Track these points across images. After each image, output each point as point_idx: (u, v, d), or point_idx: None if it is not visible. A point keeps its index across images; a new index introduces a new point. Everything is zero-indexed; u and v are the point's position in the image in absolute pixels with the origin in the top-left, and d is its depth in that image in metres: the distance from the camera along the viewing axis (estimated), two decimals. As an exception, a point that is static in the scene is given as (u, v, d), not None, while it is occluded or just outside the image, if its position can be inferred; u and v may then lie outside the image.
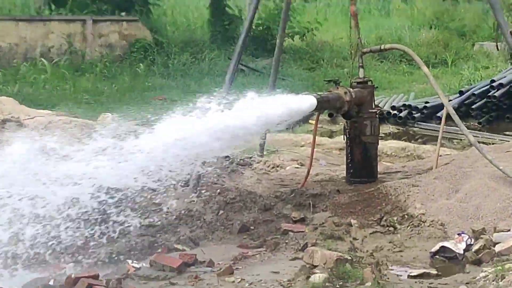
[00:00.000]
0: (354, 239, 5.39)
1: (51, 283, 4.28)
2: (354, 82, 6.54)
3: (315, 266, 4.71)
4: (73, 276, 4.13)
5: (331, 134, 10.19)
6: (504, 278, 4.37)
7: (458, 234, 5.13)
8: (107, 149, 4.70)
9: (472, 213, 5.50)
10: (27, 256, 4.56)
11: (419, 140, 11.17)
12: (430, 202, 5.74)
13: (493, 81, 12.11)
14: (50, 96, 11.79)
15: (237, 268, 4.87)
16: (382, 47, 7.99)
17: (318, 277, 4.49)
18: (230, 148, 5.76)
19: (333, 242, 5.23)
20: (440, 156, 7.52)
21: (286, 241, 5.43)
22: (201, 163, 5.63)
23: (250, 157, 7.70)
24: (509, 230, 5.15)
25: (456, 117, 6.64)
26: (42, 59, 13.38)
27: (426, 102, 12.01)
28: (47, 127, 8.15)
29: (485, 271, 4.72)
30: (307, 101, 5.63)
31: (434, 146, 8.59)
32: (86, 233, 4.80)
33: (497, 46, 17.88)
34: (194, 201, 5.76)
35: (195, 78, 13.50)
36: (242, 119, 4.99)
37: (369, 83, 6.71)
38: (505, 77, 12.26)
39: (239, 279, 4.62)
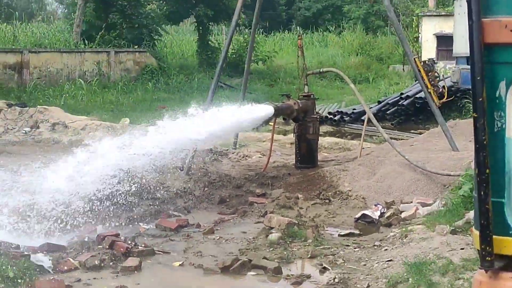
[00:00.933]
0: (300, 208, 7.04)
1: (86, 239, 5.80)
2: (301, 95, 8.63)
3: (272, 228, 6.32)
4: (101, 235, 5.72)
5: (284, 133, 11.95)
6: (407, 236, 5.89)
7: (375, 205, 6.77)
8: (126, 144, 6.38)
9: (385, 190, 7.16)
10: (72, 222, 6.00)
11: (348, 137, 13.59)
12: (355, 182, 7.44)
13: (402, 93, 15.43)
14: (86, 106, 15.50)
15: (216, 229, 6.51)
16: (321, 70, 10.60)
17: (274, 235, 6.14)
18: (212, 142, 7.48)
19: (285, 210, 6.91)
20: (363, 148, 9.46)
21: (252, 210, 7.17)
22: (192, 153, 7.26)
23: (227, 150, 9.68)
24: (411, 202, 6.80)
25: (374, 120, 8.84)
26: (80, 79, 18.10)
27: (354, 109, 14.94)
28: (84, 128, 10.99)
29: (394, 231, 6.35)
30: (267, 109, 7.45)
31: (358, 141, 10.55)
32: (112, 204, 6.30)
33: (403, 68, 22.98)
34: (187, 181, 7.41)
35: (188, 92, 17.88)
36: (221, 122, 6.60)
37: (312, 96, 8.81)
38: (410, 90, 15.67)
39: (218, 237, 6.31)
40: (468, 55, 2.13)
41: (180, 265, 5.74)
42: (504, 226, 2.25)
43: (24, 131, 11.77)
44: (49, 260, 5.65)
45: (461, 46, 9.21)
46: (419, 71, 7.98)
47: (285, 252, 5.87)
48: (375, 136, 11.77)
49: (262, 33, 26.92)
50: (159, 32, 22.41)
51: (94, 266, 5.48)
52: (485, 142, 2.14)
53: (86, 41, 20.06)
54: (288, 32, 30.35)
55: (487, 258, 2.26)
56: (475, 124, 2.13)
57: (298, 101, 8.11)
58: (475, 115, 2.13)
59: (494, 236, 2.22)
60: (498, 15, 2.05)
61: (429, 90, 7.88)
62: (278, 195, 7.56)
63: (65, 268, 5.52)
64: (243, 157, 9.76)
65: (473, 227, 2.43)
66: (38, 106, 13.37)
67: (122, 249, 5.77)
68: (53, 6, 35.82)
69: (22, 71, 17.49)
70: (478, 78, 2.09)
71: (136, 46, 20.56)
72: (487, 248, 2.26)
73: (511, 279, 2.28)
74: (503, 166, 2.20)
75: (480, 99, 2.11)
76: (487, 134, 2.12)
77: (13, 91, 15.88)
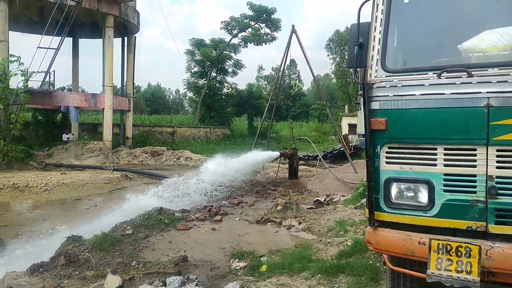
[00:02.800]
0: (290, 196, 11.53)
1: (198, 207, 10.07)
2: (291, 148, 13.82)
3: (278, 204, 10.50)
4: (204, 205, 10.26)
5: (284, 163, 16.62)
6: (336, 209, 9.77)
7: (322, 195, 11.20)
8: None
9: (326, 189, 11.80)
10: (193, 199, 10.90)
11: (310, 165, 19.59)
12: (313, 185, 12.19)
13: (334, 148, 24.49)
14: (200, 150, 26.57)
15: (254, 204, 11.10)
16: (300, 138, 19.67)
17: (279, 207, 10.12)
18: (253, 167, 13.12)
19: (284, 197, 11.43)
20: (317, 171, 14.50)
21: (270, 196, 11.79)
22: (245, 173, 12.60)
23: (259, 170, 14.72)
24: (338, 195, 11.14)
25: (322, 159, 14.40)
26: (198, 139, 33.03)
27: (313, 154, 23.30)
28: (199, 159, 16.25)
29: (330, 207, 10.19)
30: (276, 154, 13.11)
31: (315, 167, 15.66)
32: (210, 192, 11.47)
33: (335, 137, 36.04)
34: (242, 183, 12.42)
35: (243, 145, 27.24)
36: (257, 158, 12.49)
37: (295, 148, 14.01)
38: (337, 147, 23.88)
39: (255, 207, 10.62)
40: (363, 133, 3.50)
41: (238, 219, 9.24)
42: (378, 207, 3.59)
43: (173, 160, 20.29)
44: (182, 215, 9.15)
45: (361, 129, 15.07)
46: (341, 139, 14.67)
47: (283, 215, 9.41)
48: (322, 166, 16.27)
49: (276, 121, 44.05)
50: (231, 119, 39.45)
51: (201, 219, 9.03)
52: (370, 171, 3.50)
53: (201, 123, 36.07)
54: (285, 121, 50.30)
55: (371, 221, 3.59)
56: (367, 163, 3.49)
57: (290, 150, 13.75)
58: (367, 159, 3.50)
59: (374, 212, 3.59)
60: (376, 118, 3.44)
61: (345, 147, 14.45)
62: (281, 189, 12.49)
63: (189, 219, 8.94)
64: (266, 174, 15.26)
65: (365, 206, 3.66)
66: (179, 150, 24.08)
67: (213, 211, 9.47)
68: (186, 108, 65.55)
69: (174, 135, 32.62)
70: (368, 144, 3.46)
71: (221, 125, 36.53)
72: (372, 217, 3.58)
73: (382, 231, 3.55)
74: (378, 181, 3.55)
75: (369, 153, 3.48)
76: (372, 167, 3.48)
77: (169, 144, 28.89)
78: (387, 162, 3.52)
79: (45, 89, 21.82)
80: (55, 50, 21.07)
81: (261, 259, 6.40)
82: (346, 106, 43.66)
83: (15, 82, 19.09)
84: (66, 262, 6.23)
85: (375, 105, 3.48)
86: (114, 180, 15.58)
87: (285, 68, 17.68)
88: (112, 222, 8.33)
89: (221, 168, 12.03)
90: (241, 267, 6.08)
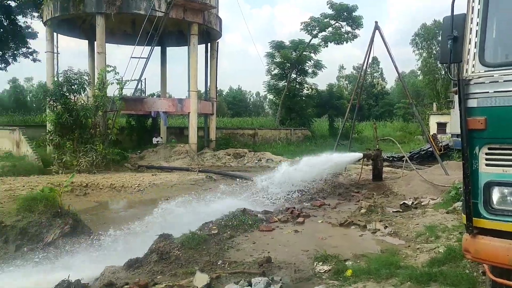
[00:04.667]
0: (375, 198, 11.17)
1: (280, 209, 10.21)
2: (375, 149, 13.41)
3: (362, 207, 10.24)
4: (286, 207, 10.41)
5: (367, 164, 15.77)
6: (424, 213, 9.31)
7: (409, 198, 10.73)
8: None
9: (414, 191, 11.25)
10: (274, 201, 11.23)
11: (395, 167, 18.90)
12: (399, 188, 11.69)
13: (421, 149, 23.09)
14: (280, 152, 27.69)
15: (337, 206, 10.92)
16: (384, 138, 17.85)
17: (362, 210, 9.93)
18: (336, 169, 12.95)
19: (368, 199, 11.10)
20: (404, 173, 13.90)
21: (353, 198, 11.54)
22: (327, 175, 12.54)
23: (341, 172, 14.51)
24: (426, 198, 10.63)
25: (409, 160, 13.69)
26: (279, 141, 34.04)
27: (398, 155, 22.16)
28: (280, 161, 16.80)
29: (418, 211, 9.73)
30: (359, 155, 12.68)
31: (401, 169, 15.14)
32: (292, 194, 11.66)
33: (422, 137, 34.94)
34: (324, 185, 12.18)
35: (324, 147, 25.82)
36: (339, 159, 12.22)
37: (380, 149, 13.57)
38: (425, 148, 22.77)
39: (338, 210, 10.46)
40: (459, 133, 3.32)
41: (321, 222, 9.15)
42: (477, 213, 3.37)
43: (255, 162, 20.80)
44: (264, 217, 9.27)
45: (455, 128, 14.25)
46: (430, 138, 13.87)
47: (367, 218, 9.11)
48: (408, 167, 15.76)
49: (359, 121, 43.49)
50: (312, 120, 40.38)
51: (284, 220, 9.05)
52: (468, 174, 3.29)
53: (281, 124, 37.51)
54: (368, 121, 51.31)
55: (469, 228, 3.38)
56: (464, 165, 3.30)
57: (374, 151, 13.35)
58: (463, 161, 3.29)
59: (473, 218, 3.38)
60: (474, 116, 3.22)
61: (434, 147, 13.61)
62: (364, 192, 12.19)
63: (271, 220, 8.99)
64: (348, 175, 14.95)
65: (462, 212, 3.50)
66: (260, 151, 25.16)
67: (296, 213, 9.55)
68: (267, 110, 69.31)
69: (255, 137, 33.81)
70: (465, 144, 3.27)
71: (302, 127, 37.31)
72: (470, 223, 3.36)
73: (482, 239, 3.30)
74: (477, 185, 3.33)
75: (466, 154, 3.29)
76: (469, 170, 3.26)
77: (251, 146, 29.89)
78: (486, 165, 3.30)
79: (137, 96, 23.38)
80: (145, 59, 22.51)
81: (346, 263, 6.24)
82: (434, 104, 41.24)
83: (111, 91, 20.69)
84: (158, 259, 6.58)
85: (472, 103, 3.27)
86: (200, 181, 16.22)
87: (368, 66, 17.15)
88: (199, 221, 8.61)
89: (304, 168, 11.97)
90: (325, 270, 5.98)
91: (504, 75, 3.21)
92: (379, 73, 74.73)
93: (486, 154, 3.30)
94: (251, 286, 5.18)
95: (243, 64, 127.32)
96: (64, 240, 8.21)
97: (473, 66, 3.36)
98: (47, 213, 8.62)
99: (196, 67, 24.67)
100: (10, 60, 34.23)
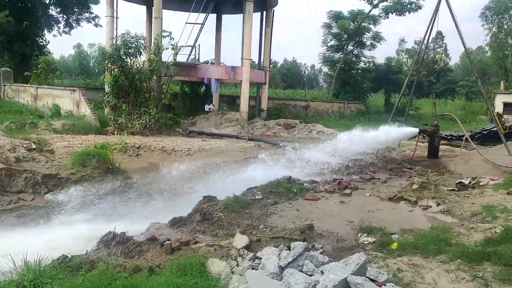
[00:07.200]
0: (428, 176, 10.74)
1: (327, 179, 10.08)
2: (432, 125, 12.77)
3: (414, 183, 9.89)
4: (334, 178, 10.31)
5: (422, 142, 15.66)
6: (482, 193, 8.99)
7: (466, 177, 10.20)
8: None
9: (472, 171, 10.76)
10: (322, 172, 11.07)
11: (453, 146, 17.87)
12: (456, 166, 11.22)
13: (483, 128, 21.47)
14: (332, 124, 26.33)
15: (387, 181, 10.56)
16: (443, 113, 17.43)
17: (414, 186, 9.66)
18: (390, 143, 12.47)
19: (421, 176, 10.65)
20: (462, 152, 13.33)
21: (404, 174, 11.22)
22: (378, 148, 12.11)
23: (395, 148, 14.09)
24: (486, 178, 10.07)
25: (469, 139, 12.90)
26: (331, 114, 32.48)
27: (458, 134, 20.72)
28: (332, 133, 16.81)
29: (476, 191, 9.38)
30: (415, 130, 12.14)
31: (459, 148, 14.57)
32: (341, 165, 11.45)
33: (486, 116, 33.45)
34: (375, 160, 11.85)
35: (379, 122, 24.45)
36: (395, 133, 11.62)
37: (438, 125, 12.90)
38: (488, 127, 21.18)
39: (388, 185, 10.19)
40: None
41: (369, 195, 9.00)
42: None
43: (305, 133, 20.75)
44: (310, 186, 9.38)
45: None
46: (495, 116, 12.76)
47: (419, 194, 8.90)
48: (468, 147, 15.43)
49: (417, 98, 43.27)
50: (367, 95, 38.48)
51: (330, 191, 8.99)
52: None
53: (335, 97, 35.88)
54: (427, 98, 47.49)
55: None
56: None
57: (431, 127, 12.72)
58: None
59: None
60: None
61: (499, 126, 12.53)
62: (417, 169, 11.78)
63: (317, 190, 9.06)
64: (402, 151, 14.40)
65: None
66: (311, 123, 24.34)
67: (343, 185, 9.47)
68: (321, 83, 69.11)
69: (307, 109, 32.86)
70: None
71: (356, 101, 35.28)
72: None
73: None
74: None
75: None
76: None
77: (302, 117, 28.80)
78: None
79: (191, 62, 23.55)
80: (200, 25, 22.50)
81: (392, 236, 5.97)
82: (502, 82, 38.33)
83: (166, 56, 20.96)
84: (201, 219, 6.66)
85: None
86: (248, 149, 16.23)
87: (430, 40, 16.12)
88: (244, 186, 8.61)
89: (356, 139, 11.66)
90: (370, 242, 5.79)
91: None
92: (443, 48, 70.57)
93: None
94: (290, 250, 5.08)
95: (299, 35, 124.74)
96: (113, 195, 8.52)
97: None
98: (99, 168, 8.95)
99: (250, 35, 24.41)
100: (74, 24, 35.47)
